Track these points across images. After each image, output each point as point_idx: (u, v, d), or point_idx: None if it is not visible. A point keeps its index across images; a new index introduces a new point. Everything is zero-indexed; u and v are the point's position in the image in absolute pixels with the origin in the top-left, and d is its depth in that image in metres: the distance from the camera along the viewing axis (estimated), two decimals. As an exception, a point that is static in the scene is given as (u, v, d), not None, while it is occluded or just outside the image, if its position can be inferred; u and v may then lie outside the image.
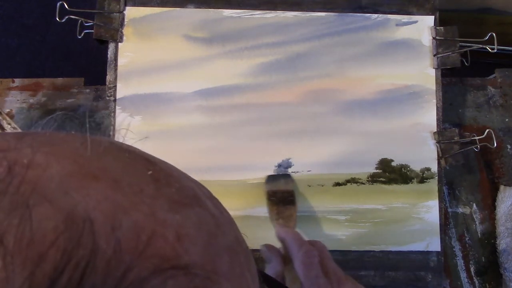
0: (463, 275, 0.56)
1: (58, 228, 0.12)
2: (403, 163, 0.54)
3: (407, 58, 0.55)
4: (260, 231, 0.51)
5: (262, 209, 0.52)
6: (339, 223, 0.53)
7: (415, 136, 0.54)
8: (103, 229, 0.13)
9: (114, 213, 0.14)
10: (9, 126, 0.51)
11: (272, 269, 0.41)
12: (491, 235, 0.57)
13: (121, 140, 0.19)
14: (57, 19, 0.49)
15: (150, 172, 0.16)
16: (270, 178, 0.53)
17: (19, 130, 0.52)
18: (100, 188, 0.14)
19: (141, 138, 0.50)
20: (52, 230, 0.12)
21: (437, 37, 0.55)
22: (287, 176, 0.53)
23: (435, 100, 0.55)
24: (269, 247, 0.43)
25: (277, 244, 0.44)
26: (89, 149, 0.16)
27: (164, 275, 0.13)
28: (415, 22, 0.55)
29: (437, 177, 0.54)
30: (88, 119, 0.56)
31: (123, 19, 0.53)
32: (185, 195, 0.16)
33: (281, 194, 0.51)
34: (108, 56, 0.53)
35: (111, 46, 0.53)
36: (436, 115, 0.54)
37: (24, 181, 0.13)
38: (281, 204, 0.49)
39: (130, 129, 0.51)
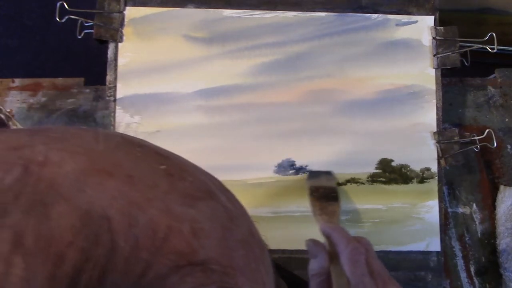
0: (463, 275, 0.56)
1: (75, 226, 0.12)
2: (403, 163, 0.54)
3: (407, 58, 0.55)
4: (261, 232, 0.51)
5: (264, 209, 0.52)
6: (340, 224, 0.53)
7: (415, 136, 0.54)
8: (120, 227, 0.13)
9: (129, 210, 0.14)
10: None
11: (317, 264, 0.40)
12: (491, 235, 0.57)
13: (132, 134, 0.19)
14: (57, 19, 0.49)
15: (163, 167, 0.16)
16: (312, 174, 0.52)
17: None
18: (115, 185, 0.14)
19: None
20: (70, 228, 0.12)
21: (437, 37, 0.55)
22: (328, 173, 0.53)
23: (435, 100, 0.55)
24: (315, 242, 0.42)
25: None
26: (101, 144, 0.16)
27: (182, 272, 0.13)
28: (415, 22, 0.55)
29: (437, 177, 0.54)
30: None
31: (123, 19, 0.53)
32: (198, 188, 0.16)
33: (324, 190, 0.50)
34: (108, 56, 0.53)
35: (111, 46, 0.53)
36: (436, 115, 0.54)
37: (40, 180, 0.13)
38: (324, 200, 0.48)
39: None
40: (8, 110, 0.56)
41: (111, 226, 0.13)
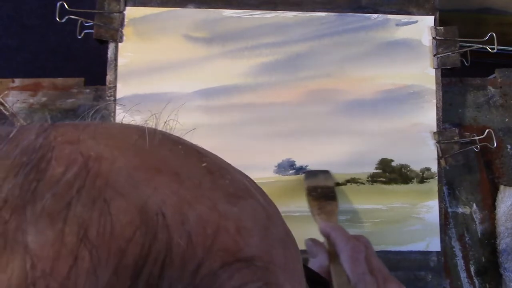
0: (463, 275, 0.56)
1: (134, 222, 0.13)
2: (403, 163, 0.54)
3: (407, 58, 0.55)
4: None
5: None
6: (339, 223, 0.53)
7: (415, 136, 0.54)
8: (174, 223, 0.13)
9: (181, 206, 0.14)
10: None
11: (317, 263, 0.40)
12: (491, 235, 0.57)
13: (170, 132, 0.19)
14: (57, 19, 0.49)
15: (204, 164, 0.16)
16: (309, 174, 0.53)
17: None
18: (165, 181, 0.14)
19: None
20: (129, 224, 0.13)
21: (437, 37, 0.55)
22: (325, 172, 0.53)
23: (435, 100, 0.55)
24: (315, 241, 0.42)
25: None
26: (146, 141, 0.16)
27: (231, 268, 0.14)
28: (415, 22, 0.55)
29: (437, 177, 0.54)
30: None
31: (123, 19, 0.53)
32: (238, 187, 0.17)
33: (321, 189, 0.50)
34: (108, 56, 0.53)
35: (111, 46, 0.53)
36: (436, 115, 0.54)
37: (97, 176, 0.13)
38: (323, 200, 0.49)
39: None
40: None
41: (167, 222, 0.13)
